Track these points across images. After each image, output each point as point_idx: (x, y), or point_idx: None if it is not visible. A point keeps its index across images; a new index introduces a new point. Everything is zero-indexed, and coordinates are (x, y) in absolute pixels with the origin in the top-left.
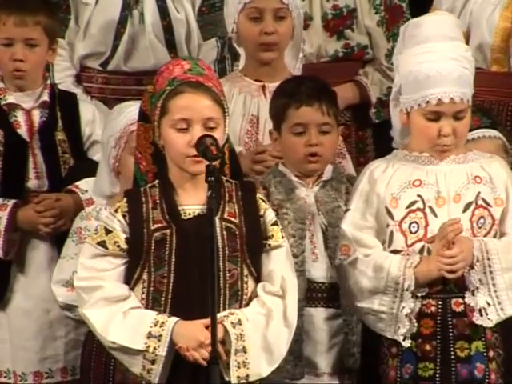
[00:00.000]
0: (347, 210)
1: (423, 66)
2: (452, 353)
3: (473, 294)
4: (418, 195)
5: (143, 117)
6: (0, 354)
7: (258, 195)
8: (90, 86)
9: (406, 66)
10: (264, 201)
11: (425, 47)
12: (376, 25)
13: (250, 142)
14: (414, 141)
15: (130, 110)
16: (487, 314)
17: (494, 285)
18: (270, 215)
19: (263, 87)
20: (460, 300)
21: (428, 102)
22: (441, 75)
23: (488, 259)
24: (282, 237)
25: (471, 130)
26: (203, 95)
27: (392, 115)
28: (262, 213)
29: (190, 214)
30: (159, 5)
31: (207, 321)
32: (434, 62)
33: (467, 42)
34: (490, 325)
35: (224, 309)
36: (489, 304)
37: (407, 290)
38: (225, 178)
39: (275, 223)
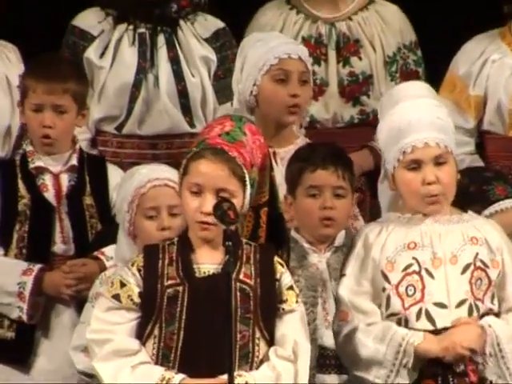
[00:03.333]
0: (343, 275)
1: (395, 122)
2: None
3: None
4: (414, 258)
5: None
6: None
7: (276, 258)
8: (105, 150)
9: (382, 132)
10: (282, 264)
11: (396, 108)
12: None
13: None
14: (405, 201)
15: (140, 173)
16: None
17: (508, 368)
18: (286, 279)
19: (274, 153)
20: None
21: (404, 152)
22: (412, 124)
23: (500, 351)
24: (297, 301)
25: (497, 201)
26: (221, 164)
27: (379, 195)
28: (278, 276)
29: (204, 273)
30: (174, 69)
31: (214, 380)
32: (405, 115)
33: (484, 107)
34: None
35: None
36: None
37: (404, 366)
38: (245, 241)
39: (291, 287)
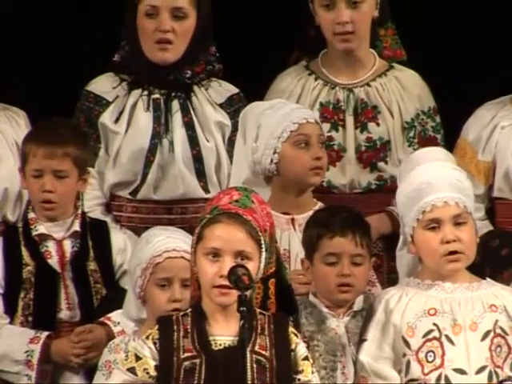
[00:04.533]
0: (364, 340)
1: (415, 183)
2: None
3: None
4: (434, 324)
5: None
6: None
7: (291, 329)
8: (120, 215)
9: (401, 195)
10: (296, 335)
11: (415, 170)
12: None
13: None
14: (424, 263)
15: (158, 241)
16: None
17: None
18: (301, 350)
19: (292, 220)
20: None
21: (424, 211)
22: (431, 184)
23: None
24: (313, 372)
25: None
26: (238, 227)
27: (398, 261)
28: (293, 347)
29: (220, 345)
30: (189, 134)
31: None
32: (424, 177)
33: (493, 173)
34: None
35: None
36: None
37: None
38: (258, 310)
39: (306, 358)
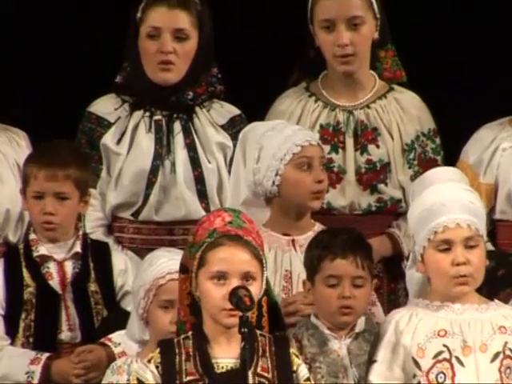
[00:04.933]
0: (374, 362)
1: (427, 203)
2: None
3: None
4: (444, 345)
5: (182, 268)
6: None
7: (292, 350)
8: (122, 236)
9: (413, 214)
10: (297, 356)
11: (428, 190)
12: (410, 179)
13: (287, 298)
14: (433, 284)
15: (161, 262)
16: None
17: None
18: (302, 371)
19: (293, 241)
20: None
21: (436, 232)
22: (444, 205)
23: None
24: None
25: None
26: (242, 249)
27: (407, 281)
28: (294, 368)
29: (223, 368)
30: (191, 155)
31: None
32: (437, 197)
33: (495, 196)
34: None
35: None
36: None
37: None
38: (259, 332)
39: (308, 379)
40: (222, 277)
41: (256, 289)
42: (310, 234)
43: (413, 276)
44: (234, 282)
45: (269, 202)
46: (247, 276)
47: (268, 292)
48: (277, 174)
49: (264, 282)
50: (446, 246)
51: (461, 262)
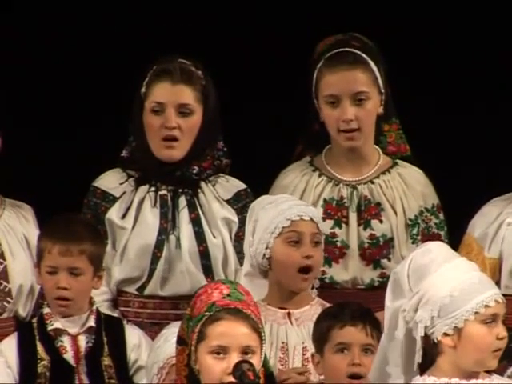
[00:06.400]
0: None
1: (461, 278)
2: None
3: None
4: None
5: (179, 340)
6: None
7: None
8: (127, 311)
9: (435, 291)
10: None
11: (447, 266)
12: None
13: (284, 369)
14: (462, 358)
15: (174, 342)
16: None
17: None
18: None
19: (289, 314)
20: None
21: (486, 305)
22: (483, 281)
23: None
24: None
25: None
26: (241, 323)
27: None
28: None
29: None
30: (196, 230)
31: None
32: (468, 273)
33: (499, 270)
34: None
35: None
36: None
37: None
38: None
39: None
40: (222, 351)
41: (256, 361)
42: (307, 309)
43: (395, 347)
44: (234, 356)
45: (266, 276)
46: (247, 350)
47: (264, 362)
48: (267, 247)
49: (263, 356)
50: (492, 320)
51: (504, 336)
